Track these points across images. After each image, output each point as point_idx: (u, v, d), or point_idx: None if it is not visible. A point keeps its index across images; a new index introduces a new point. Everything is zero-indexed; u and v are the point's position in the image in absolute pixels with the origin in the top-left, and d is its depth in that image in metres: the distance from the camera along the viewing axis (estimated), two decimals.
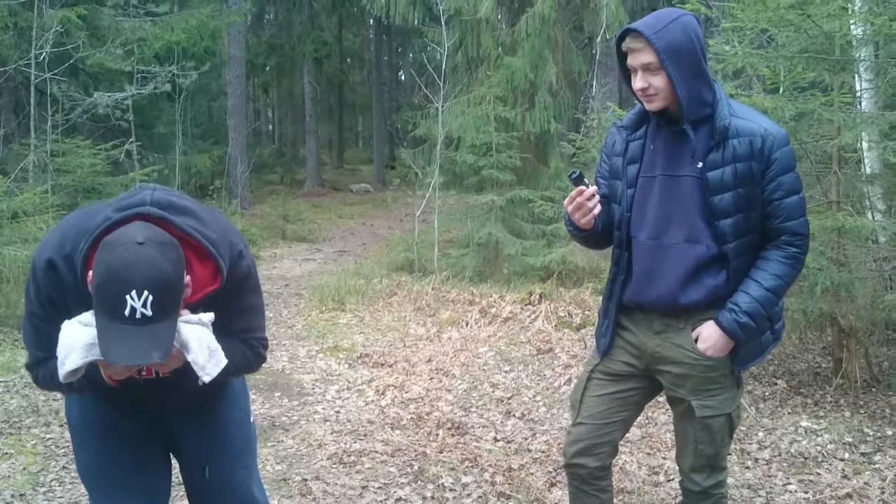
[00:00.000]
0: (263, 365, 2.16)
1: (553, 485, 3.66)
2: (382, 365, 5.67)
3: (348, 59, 29.88)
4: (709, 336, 2.32)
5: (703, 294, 2.32)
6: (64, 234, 1.82)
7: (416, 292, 7.87)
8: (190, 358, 1.71)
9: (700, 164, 2.28)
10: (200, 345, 1.72)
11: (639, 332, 2.45)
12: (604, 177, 2.53)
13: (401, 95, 28.31)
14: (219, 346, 1.76)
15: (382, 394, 5.03)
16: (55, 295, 1.81)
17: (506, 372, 5.45)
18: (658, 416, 4.41)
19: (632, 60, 2.27)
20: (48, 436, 4.45)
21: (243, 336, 1.97)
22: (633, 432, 4.15)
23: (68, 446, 4.31)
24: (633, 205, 2.40)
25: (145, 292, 1.59)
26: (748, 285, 2.30)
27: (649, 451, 4.01)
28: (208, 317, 1.78)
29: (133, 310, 1.58)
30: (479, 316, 6.81)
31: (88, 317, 1.69)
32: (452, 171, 10.22)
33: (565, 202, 2.35)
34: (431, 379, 5.31)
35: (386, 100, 25.58)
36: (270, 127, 32.22)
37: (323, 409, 4.83)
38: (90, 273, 1.67)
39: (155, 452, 2.15)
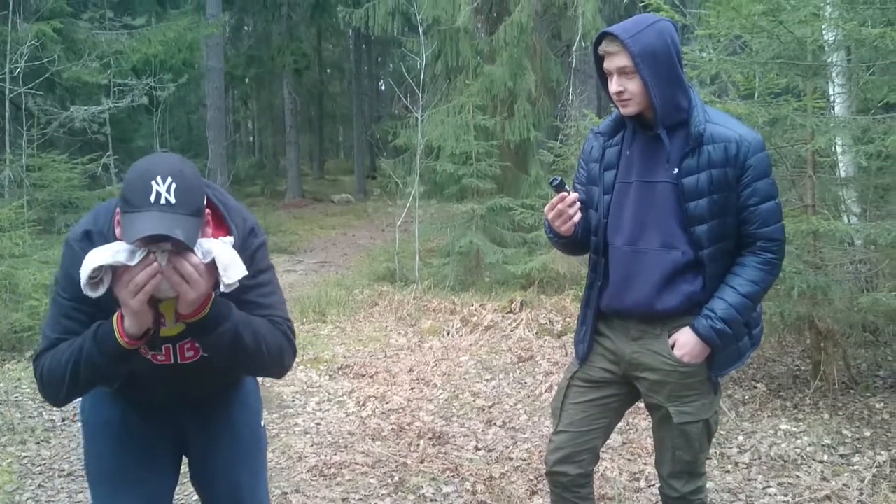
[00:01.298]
0: None
1: (534, 493, 3.65)
2: (363, 376, 5.64)
3: (328, 70, 29.88)
4: (685, 343, 2.32)
5: (680, 300, 2.32)
6: (96, 214, 1.91)
7: (397, 302, 7.85)
8: (215, 255, 1.70)
9: (675, 170, 2.28)
10: (221, 252, 1.72)
11: (616, 338, 2.45)
12: (581, 182, 2.53)
13: (381, 106, 28.32)
14: (240, 260, 1.75)
15: (363, 405, 5.01)
16: None
17: (487, 380, 5.44)
18: (639, 423, 4.41)
19: (608, 64, 2.28)
20: (24, 454, 4.38)
21: (266, 315, 1.92)
22: (614, 438, 4.15)
23: (44, 464, 4.26)
24: (610, 211, 2.41)
25: (169, 178, 1.65)
26: (724, 291, 2.30)
27: (630, 458, 4.01)
28: (228, 239, 1.80)
29: (158, 194, 1.63)
30: (461, 325, 6.79)
31: (115, 242, 1.71)
32: (433, 180, 10.22)
33: (546, 209, 2.35)
34: (412, 389, 5.29)
35: (366, 110, 25.57)
36: (251, 139, 32.15)
37: (303, 421, 4.80)
38: (118, 216, 1.73)
39: (164, 452, 2.16)
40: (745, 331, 2.41)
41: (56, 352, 1.83)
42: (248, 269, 1.79)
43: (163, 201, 1.63)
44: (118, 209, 1.72)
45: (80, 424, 5.01)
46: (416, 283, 8.54)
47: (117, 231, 1.75)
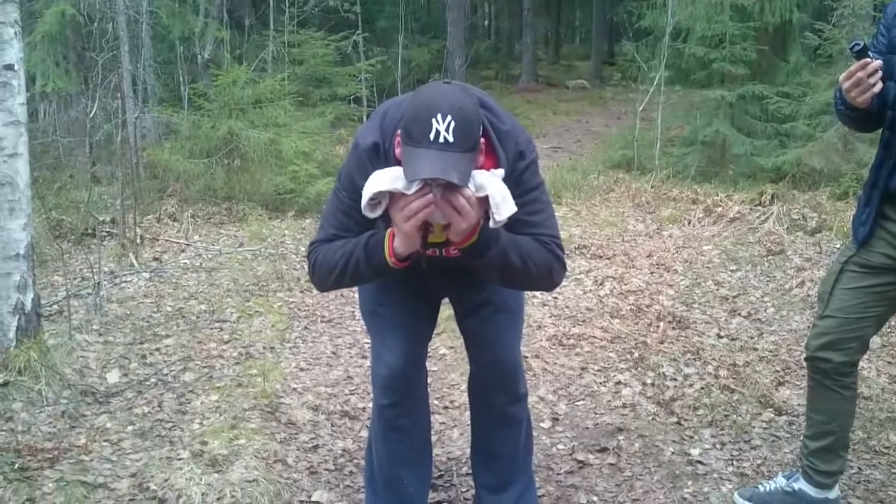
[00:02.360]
0: None
1: (781, 383, 3.53)
2: (601, 257, 5.64)
3: None
4: None
5: None
6: (382, 122, 1.99)
7: (634, 189, 7.70)
8: (488, 192, 1.78)
9: None
10: (494, 188, 1.79)
11: None
12: (880, 51, 2.28)
13: None
14: (510, 195, 1.81)
15: (601, 284, 5.02)
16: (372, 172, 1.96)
17: (731, 271, 5.25)
18: None
19: None
20: (291, 299, 4.87)
21: (533, 233, 1.95)
22: (873, 340, 3.87)
23: (308, 310, 4.71)
24: None
25: (449, 117, 1.71)
26: None
27: (890, 360, 3.76)
28: (499, 172, 1.86)
29: (437, 133, 1.70)
30: (703, 215, 6.55)
31: (397, 168, 1.81)
32: (678, 65, 9.71)
33: (842, 77, 2.15)
34: (652, 273, 5.22)
35: None
36: (486, 22, 32.08)
37: (541, 294, 4.87)
38: (398, 138, 1.82)
39: (423, 301, 2.31)
40: None
41: (330, 247, 1.98)
42: (514, 191, 1.85)
43: (441, 140, 1.69)
44: (399, 133, 1.81)
45: None
46: (655, 171, 8.28)
47: (397, 151, 1.84)
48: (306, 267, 2.09)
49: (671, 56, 9.27)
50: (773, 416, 3.24)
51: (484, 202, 1.79)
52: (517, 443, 2.43)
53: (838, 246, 5.40)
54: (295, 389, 3.55)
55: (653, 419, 3.25)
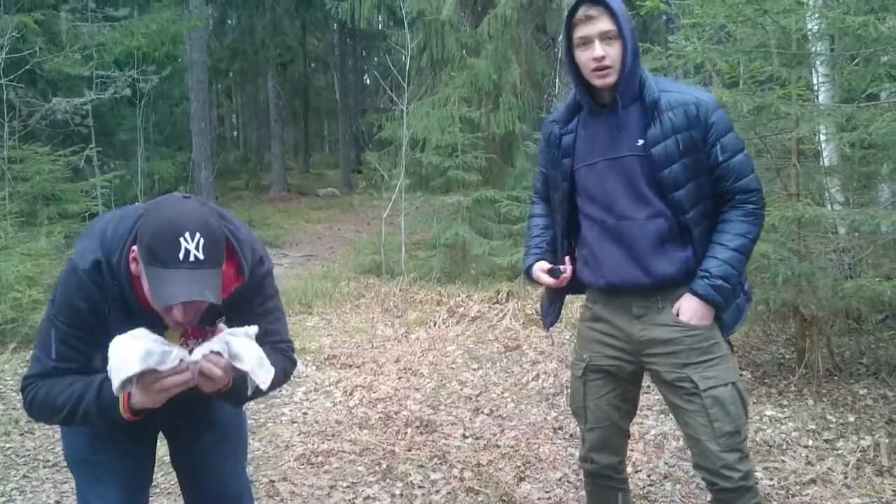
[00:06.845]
0: None
1: (522, 479, 3.66)
2: (350, 366, 5.63)
3: (312, 64, 29.72)
4: (688, 307, 2.31)
5: (677, 267, 2.31)
6: (102, 239, 1.85)
7: (383, 294, 7.85)
8: (247, 367, 1.74)
9: (640, 142, 2.29)
10: (251, 354, 1.75)
11: (619, 320, 2.42)
12: (546, 165, 2.58)
13: (366, 99, 28.24)
14: (265, 356, 1.79)
15: (350, 394, 5.00)
16: (97, 295, 1.82)
17: (474, 370, 5.45)
18: None
19: (587, 30, 2.25)
20: (8, 445, 4.35)
21: (271, 342, 1.97)
22: None
23: (29, 455, 4.23)
24: (579, 192, 2.44)
25: (197, 234, 1.66)
26: (714, 250, 2.30)
27: None
28: (252, 329, 1.81)
29: (187, 252, 1.64)
30: (447, 316, 6.79)
31: (141, 332, 1.70)
32: (418, 173, 10.21)
33: (544, 281, 2.49)
34: (400, 378, 5.29)
35: (351, 103, 25.47)
36: (235, 133, 31.95)
37: (290, 410, 4.79)
38: (133, 254, 1.73)
39: (141, 442, 2.15)
40: (740, 287, 2.39)
41: (52, 388, 1.82)
42: (256, 298, 1.91)
43: (192, 258, 1.65)
44: (135, 248, 1.72)
45: None
46: (403, 275, 8.52)
47: (132, 267, 1.76)
48: (23, 402, 1.89)
49: (411, 164, 9.74)
50: None
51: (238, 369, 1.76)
52: None
53: (568, 337, 5.80)
54: None
55: None
